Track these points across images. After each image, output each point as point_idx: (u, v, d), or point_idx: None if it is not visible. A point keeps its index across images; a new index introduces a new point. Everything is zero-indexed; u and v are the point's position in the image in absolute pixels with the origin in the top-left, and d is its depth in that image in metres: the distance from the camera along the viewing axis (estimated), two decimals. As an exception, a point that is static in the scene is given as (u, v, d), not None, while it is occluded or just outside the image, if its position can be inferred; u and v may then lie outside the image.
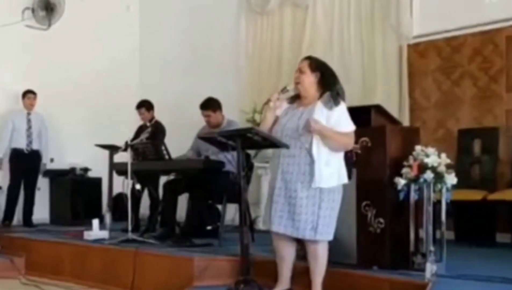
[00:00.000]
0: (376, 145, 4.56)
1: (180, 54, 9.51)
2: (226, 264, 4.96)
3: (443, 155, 4.39)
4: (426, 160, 4.33)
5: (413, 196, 4.46)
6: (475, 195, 6.09)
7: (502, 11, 6.58)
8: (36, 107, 8.38)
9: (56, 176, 8.76)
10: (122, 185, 6.52)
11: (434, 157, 4.35)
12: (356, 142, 4.47)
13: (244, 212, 4.25)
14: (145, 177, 6.96)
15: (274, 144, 4.20)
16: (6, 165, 8.27)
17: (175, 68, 9.51)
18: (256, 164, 6.80)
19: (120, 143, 6.49)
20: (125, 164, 6.20)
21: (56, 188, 8.76)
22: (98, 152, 7.22)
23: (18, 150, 8.20)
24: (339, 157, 4.18)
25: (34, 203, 8.30)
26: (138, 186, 6.69)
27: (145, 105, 7.73)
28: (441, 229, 4.50)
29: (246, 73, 8.74)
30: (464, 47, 6.92)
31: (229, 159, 5.75)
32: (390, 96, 7.20)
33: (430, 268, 4.16)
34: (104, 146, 6.96)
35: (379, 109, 4.85)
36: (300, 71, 4.26)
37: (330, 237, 4.17)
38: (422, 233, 4.49)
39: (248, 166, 5.72)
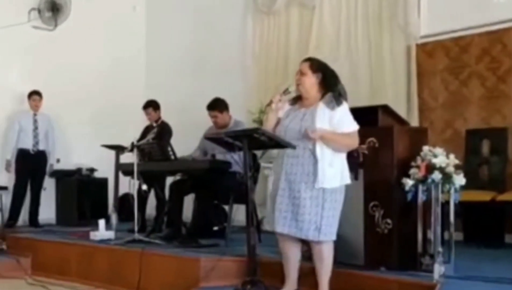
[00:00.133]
0: (384, 146, 4.54)
1: (186, 54, 9.49)
2: (233, 264, 4.94)
3: (452, 156, 4.37)
4: (434, 160, 4.32)
5: (421, 197, 4.44)
6: (484, 196, 6.05)
7: (510, 11, 6.53)
8: (42, 108, 8.38)
9: (62, 177, 8.75)
10: (128, 185, 6.53)
11: (442, 157, 4.34)
12: (363, 142, 4.49)
13: (251, 213, 4.24)
14: (151, 178, 6.95)
15: (280, 144, 4.19)
16: (13, 166, 8.27)
17: (181, 68, 9.50)
18: (262, 164, 6.78)
19: (126, 143, 6.49)
20: (131, 164, 6.20)
21: (62, 188, 8.74)
22: (104, 153, 7.22)
23: (24, 150, 8.20)
24: (342, 158, 4.20)
25: (40, 204, 8.30)
26: (144, 187, 6.68)
27: (152, 105, 7.72)
28: (449, 230, 4.47)
29: (252, 73, 8.71)
30: (472, 47, 6.88)
31: (236, 160, 5.76)
32: (398, 96, 7.16)
33: (438, 269, 4.16)
34: (110, 147, 6.96)
35: (386, 109, 4.83)
36: (301, 72, 4.27)
37: (334, 237, 4.18)
38: (430, 234, 4.47)
39: (255, 167, 5.70)
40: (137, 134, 7.27)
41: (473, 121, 6.81)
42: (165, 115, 7.84)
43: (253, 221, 4.33)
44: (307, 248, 4.34)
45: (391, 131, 4.54)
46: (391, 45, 7.37)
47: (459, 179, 4.33)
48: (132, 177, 6.25)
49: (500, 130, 6.54)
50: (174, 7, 9.78)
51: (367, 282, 4.37)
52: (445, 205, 4.43)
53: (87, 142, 8.80)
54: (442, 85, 7.07)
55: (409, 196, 4.40)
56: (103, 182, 8.71)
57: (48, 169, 8.45)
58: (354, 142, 4.22)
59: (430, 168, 4.30)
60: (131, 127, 8.03)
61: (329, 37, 7.89)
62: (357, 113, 4.27)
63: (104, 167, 8.36)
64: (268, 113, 4.41)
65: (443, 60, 7.09)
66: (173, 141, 7.00)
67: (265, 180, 7.52)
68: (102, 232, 6.39)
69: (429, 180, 4.31)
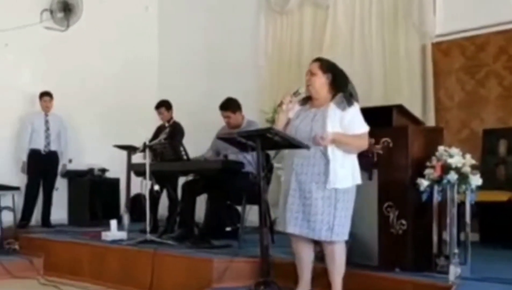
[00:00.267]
0: (398, 146, 4.50)
1: (199, 54, 9.48)
2: (246, 265, 4.92)
3: (468, 156, 4.32)
4: (450, 160, 4.27)
5: (436, 197, 4.40)
6: (501, 196, 5.98)
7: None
8: (54, 108, 8.39)
9: (74, 177, 8.76)
10: (140, 185, 6.50)
11: (458, 157, 4.29)
12: (377, 142, 4.46)
13: (264, 213, 4.20)
14: (163, 178, 6.92)
15: (293, 144, 4.15)
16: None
17: (194, 68, 9.49)
18: (275, 164, 6.74)
19: (138, 143, 6.46)
20: (143, 164, 6.18)
21: (74, 188, 8.75)
22: (116, 153, 7.22)
23: (36, 150, 8.21)
24: (353, 158, 4.18)
25: (52, 204, 8.31)
26: (156, 187, 6.64)
27: (164, 105, 7.70)
28: (465, 231, 4.42)
29: (265, 73, 8.69)
30: (488, 46, 6.81)
31: (249, 160, 5.75)
32: (413, 96, 7.09)
33: (454, 270, 4.11)
34: (122, 147, 6.95)
35: (401, 109, 4.79)
36: (311, 73, 4.26)
37: (346, 237, 4.17)
38: (445, 235, 4.41)
39: (268, 167, 5.66)
40: (149, 134, 7.22)
41: (490, 120, 6.74)
42: (178, 115, 7.81)
43: (266, 221, 4.30)
44: (320, 249, 4.32)
45: (406, 131, 4.50)
46: (406, 44, 7.31)
47: (476, 180, 4.28)
48: (144, 178, 6.23)
49: (518, 130, 6.47)
50: (187, 7, 9.78)
51: (382, 283, 4.33)
52: (461, 205, 4.38)
53: (99, 143, 8.79)
54: (458, 85, 7.00)
55: (424, 197, 4.36)
56: (115, 182, 8.73)
57: (60, 169, 8.47)
58: (365, 144, 4.20)
59: (446, 168, 4.26)
60: (143, 127, 7.99)
61: (343, 36, 7.85)
62: (371, 113, 4.25)
63: (116, 168, 8.37)
64: (279, 113, 4.41)
65: (459, 59, 7.02)
66: (186, 141, 6.97)
67: (278, 181, 7.46)
68: (114, 232, 6.38)
69: (445, 181, 4.27)
